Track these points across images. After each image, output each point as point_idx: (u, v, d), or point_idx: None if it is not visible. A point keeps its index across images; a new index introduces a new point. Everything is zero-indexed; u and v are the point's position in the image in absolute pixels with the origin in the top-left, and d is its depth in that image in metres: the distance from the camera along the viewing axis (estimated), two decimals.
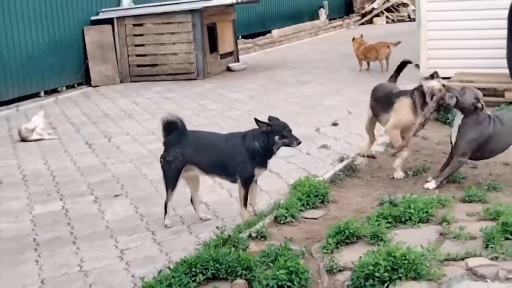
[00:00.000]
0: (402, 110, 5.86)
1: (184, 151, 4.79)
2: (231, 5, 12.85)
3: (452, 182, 5.54)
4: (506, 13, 8.20)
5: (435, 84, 5.66)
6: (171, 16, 11.91)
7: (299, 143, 4.78)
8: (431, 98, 5.56)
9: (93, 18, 12.26)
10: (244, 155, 4.74)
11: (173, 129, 4.86)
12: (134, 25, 12.09)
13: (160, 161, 4.91)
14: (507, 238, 3.93)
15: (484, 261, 3.66)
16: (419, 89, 5.79)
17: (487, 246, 3.87)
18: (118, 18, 12.10)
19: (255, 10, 17.50)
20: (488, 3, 9.17)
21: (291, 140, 4.74)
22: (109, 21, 12.13)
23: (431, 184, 5.44)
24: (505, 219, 4.11)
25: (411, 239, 4.09)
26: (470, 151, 5.42)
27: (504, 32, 8.29)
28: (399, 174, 5.82)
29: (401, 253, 3.56)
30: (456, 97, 5.42)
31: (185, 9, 11.81)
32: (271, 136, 4.71)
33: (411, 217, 4.46)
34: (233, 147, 4.80)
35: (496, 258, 3.72)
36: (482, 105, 5.39)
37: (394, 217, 4.50)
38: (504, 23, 8.26)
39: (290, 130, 4.77)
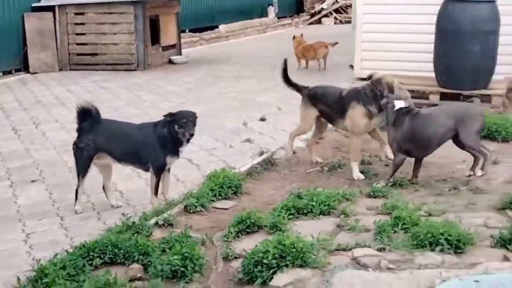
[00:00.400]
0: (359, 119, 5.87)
1: (96, 139, 4.85)
2: None
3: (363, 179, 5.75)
4: (435, 18, 8.47)
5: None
6: (113, 6, 11.89)
7: (191, 135, 4.83)
8: None
9: (34, 4, 12.13)
10: (156, 144, 4.84)
11: (87, 116, 4.92)
12: (75, 13, 12.03)
13: (73, 148, 4.96)
14: (396, 231, 4.12)
15: (370, 252, 3.83)
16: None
17: (377, 238, 4.06)
18: (59, 6, 12.02)
19: (204, 4, 17.57)
20: (420, 8, 9.46)
21: (184, 131, 4.81)
22: (51, 8, 12.03)
23: (380, 184, 5.47)
24: (398, 213, 4.31)
25: (309, 230, 4.24)
26: (398, 149, 5.56)
27: (433, 37, 8.56)
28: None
29: (290, 242, 3.70)
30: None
31: (127, 0, 11.80)
32: (172, 125, 4.83)
33: (313, 209, 4.62)
34: (145, 136, 4.89)
35: (384, 249, 3.90)
36: (386, 102, 5.58)
37: (297, 209, 4.65)
38: (433, 28, 8.53)
39: (188, 121, 4.83)
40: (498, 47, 8.34)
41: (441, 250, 3.81)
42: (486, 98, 8.20)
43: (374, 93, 5.76)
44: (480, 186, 5.29)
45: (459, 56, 8.19)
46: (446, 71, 8.43)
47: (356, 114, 5.85)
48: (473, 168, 5.65)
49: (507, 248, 3.82)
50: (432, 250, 3.82)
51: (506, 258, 3.72)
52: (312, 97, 6.28)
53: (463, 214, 4.52)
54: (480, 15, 8.14)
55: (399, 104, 5.55)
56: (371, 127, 6.04)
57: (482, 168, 5.58)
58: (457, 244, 3.82)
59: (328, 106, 6.16)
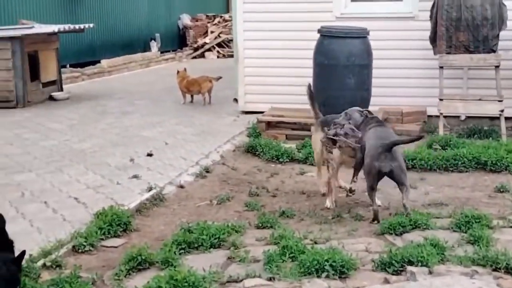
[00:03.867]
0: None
1: None
2: (54, 33, 12.65)
3: (251, 210, 5.90)
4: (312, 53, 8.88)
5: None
6: None
7: None
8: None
9: None
10: None
11: None
12: None
13: None
14: (284, 260, 4.28)
15: (260, 281, 3.96)
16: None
17: (266, 268, 4.19)
18: None
19: (85, 39, 17.30)
20: (298, 43, 9.86)
21: None
22: None
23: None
24: (286, 242, 4.47)
25: (200, 263, 4.32)
26: None
27: (311, 71, 8.96)
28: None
29: (182, 277, 3.76)
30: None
31: (4, 36, 11.45)
32: None
33: (203, 243, 4.70)
34: None
35: (273, 278, 4.04)
36: (367, 111, 5.97)
37: (188, 243, 4.71)
38: (311, 62, 8.93)
39: None
40: (372, 79, 8.86)
41: (327, 276, 4.00)
42: None
43: None
44: (361, 213, 5.58)
45: (336, 89, 8.62)
46: (325, 103, 8.76)
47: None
48: None
49: (387, 271, 4.06)
50: (319, 276, 4.01)
51: (386, 281, 3.96)
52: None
53: (346, 241, 4.76)
54: (354, 50, 8.63)
55: None
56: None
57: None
58: (341, 270, 4.03)
59: None
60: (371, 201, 5.39)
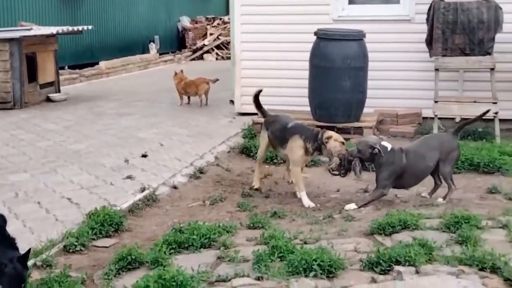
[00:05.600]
0: (297, 151, 6.28)
1: None
2: (52, 35, 12.69)
3: (243, 211, 5.92)
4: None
5: (336, 146, 6.06)
6: None
7: None
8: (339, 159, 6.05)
9: None
10: None
11: None
12: None
13: None
14: (273, 260, 4.30)
15: (248, 281, 3.97)
16: (317, 134, 6.19)
17: (255, 268, 4.21)
18: None
19: (83, 41, 17.35)
20: (295, 45, 9.88)
21: None
22: None
23: (352, 206, 5.81)
24: (275, 242, 4.49)
25: (190, 263, 4.34)
26: (390, 184, 5.88)
27: (307, 73, 8.99)
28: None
29: (170, 276, 3.78)
30: (358, 157, 5.90)
31: (2, 37, 11.48)
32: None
33: (194, 243, 4.71)
34: None
35: (261, 278, 4.05)
36: (378, 149, 5.82)
37: (178, 243, 4.73)
38: (308, 65, 8.97)
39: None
40: (367, 81, 8.90)
41: (315, 276, 4.01)
42: (358, 130, 8.69)
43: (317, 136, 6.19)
44: (352, 214, 5.60)
45: (332, 91, 8.66)
46: (320, 105, 8.87)
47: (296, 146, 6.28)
48: (430, 193, 6.11)
49: (374, 271, 4.08)
50: (306, 276, 4.02)
51: (373, 280, 3.97)
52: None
53: (335, 241, 4.77)
54: (349, 52, 8.67)
55: (388, 145, 5.94)
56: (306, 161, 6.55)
57: (444, 198, 5.92)
58: (329, 269, 4.04)
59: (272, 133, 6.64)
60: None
